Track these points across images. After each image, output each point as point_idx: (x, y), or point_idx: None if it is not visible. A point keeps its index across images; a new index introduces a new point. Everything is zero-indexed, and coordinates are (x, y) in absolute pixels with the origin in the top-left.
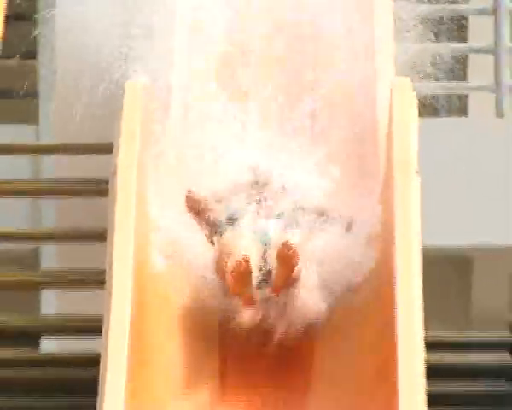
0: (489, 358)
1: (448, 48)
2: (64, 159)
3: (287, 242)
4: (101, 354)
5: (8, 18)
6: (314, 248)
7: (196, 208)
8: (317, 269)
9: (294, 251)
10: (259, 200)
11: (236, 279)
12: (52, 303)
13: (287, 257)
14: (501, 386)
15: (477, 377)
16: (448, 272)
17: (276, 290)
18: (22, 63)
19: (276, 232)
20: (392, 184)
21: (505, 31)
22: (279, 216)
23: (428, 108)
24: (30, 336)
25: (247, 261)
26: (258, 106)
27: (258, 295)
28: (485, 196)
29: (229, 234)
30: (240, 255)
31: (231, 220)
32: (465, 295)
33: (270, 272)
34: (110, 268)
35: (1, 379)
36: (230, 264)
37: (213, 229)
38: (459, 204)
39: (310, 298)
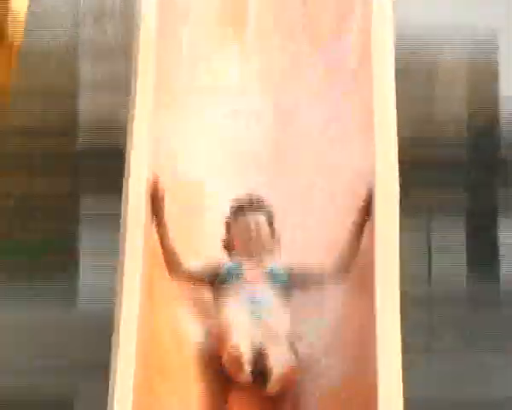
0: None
1: None
2: None
3: (292, 369)
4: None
5: None
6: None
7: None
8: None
9: (297, 373)
10: (253, 253)
11: (232, 367)
12: None
13: (289, 380)
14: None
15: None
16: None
17: (271, 392)
18: None
19: (269, 308)
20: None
21: None
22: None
23: None
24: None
25: (237, 349)
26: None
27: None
28: None
29: (219, 317)
30: (232, 345)
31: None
32: (429, 103)
33: (261, 354)
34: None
35: None
36: (225, 355)
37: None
38: None
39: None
